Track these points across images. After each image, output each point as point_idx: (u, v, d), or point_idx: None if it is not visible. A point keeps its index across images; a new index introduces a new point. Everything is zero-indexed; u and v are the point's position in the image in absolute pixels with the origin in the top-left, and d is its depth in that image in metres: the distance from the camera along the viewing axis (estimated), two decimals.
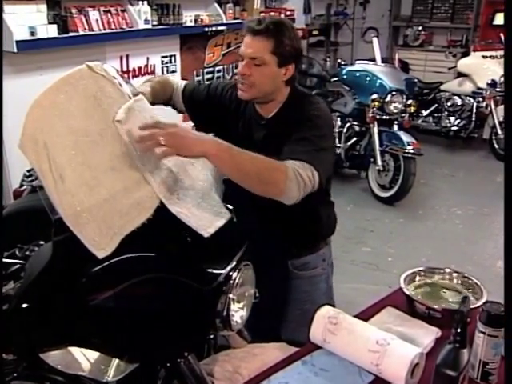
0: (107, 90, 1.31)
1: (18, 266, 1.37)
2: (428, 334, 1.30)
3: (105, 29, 3.82)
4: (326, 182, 1.57)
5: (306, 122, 1.57)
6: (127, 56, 4.26)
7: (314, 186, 1.45)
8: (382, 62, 4.96)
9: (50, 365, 1.26)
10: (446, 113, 5.84)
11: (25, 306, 1.22)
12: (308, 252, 1.80)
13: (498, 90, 5.38)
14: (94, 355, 1.31)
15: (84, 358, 1.30)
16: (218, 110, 1.77)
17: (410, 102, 4.47)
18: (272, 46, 1.54)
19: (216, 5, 4.92)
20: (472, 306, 1.23)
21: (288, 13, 5.92)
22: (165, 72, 4.71)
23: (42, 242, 1.41)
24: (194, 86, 1.84)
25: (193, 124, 1.91)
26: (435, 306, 1.35)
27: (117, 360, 1.31)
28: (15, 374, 1.31)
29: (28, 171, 2.19)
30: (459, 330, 1.03)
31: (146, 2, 4.09)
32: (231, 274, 1.31)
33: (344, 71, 4.92)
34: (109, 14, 3.86)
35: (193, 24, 4.64)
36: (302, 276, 1.80)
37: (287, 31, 1.57)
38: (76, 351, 1.29)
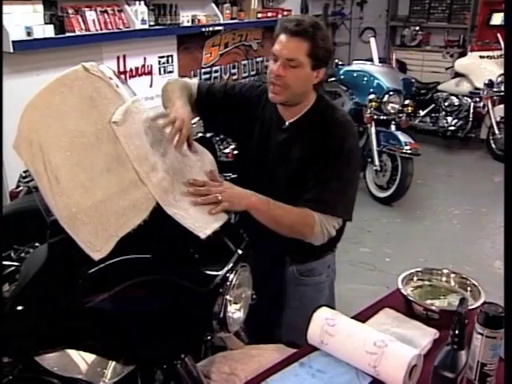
0: (103, 91, 1.30)
1: (13, 267, 1.36)
2: (426, 335, 1.29)
3: (101, 29, 3.81)
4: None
5: (338, 154, 1.57)
6: (124, 56, 4.25)
7: (338, 227, 1.61)
8: (380, 62, 4.96)
9: (46, 367, 1.25)
10: (444, 113, 5.85)
11: (20, 308, 1.21)
12: (314, 258, 1.77)
13: (495, 90, 5.39)
14: (90, 358, 1.30)
15: (80, 360, 1.29)
16: (233, 110, 1.75)
17: (407, 102, 4.47)
18: (308, 48, 1.52)
19: (213, 5, 4.92)
20: (470, 307, 1.22)
21: (285, 13, 5.91)
22: (162, 72, 4.70)
23: (37, 244, 1.40)
24: (208, 86, 1.80)
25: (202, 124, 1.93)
26: (433, 307, 1.35)
27: (113, 362, 1.30)
28: (10, 377, 1.30)
29: (24, 172, 2.18)
30: (457, 332, 1.03)
31: (142, 2, 4.08)
32: (228, 275, 1.31)
33: (341, 71, 4.92)
34: (105, 15, 3.85)
35: (190, 24, 4.63)
36: (307, 282, 1.78)
37: (323, 33, 1.56)
38: (72, 354, 1.29)
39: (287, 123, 1.66)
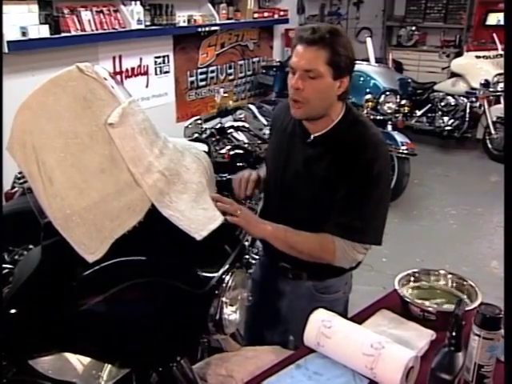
0: (97, 92, 1.29)
1: (6, 270, 1.35)
2: (423, 337, 1.29)
3: (97, 29, 3.80)
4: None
5: (367, 176, 1.46)
6: (120, 56, 4.24)
7: (364, 253, 1.56)
8: (376, 62, 4.97)
9: (40, 371, 1.24)
10: (440, 113, 5.85)
11: (13, 311, 1.20)
12: (332, 275, 1.66)
13: (491, 89, 5.40)
14: (85, 361, 1.29)
15: (75, 363, 1.28)
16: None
17: (403, 102, 4.48)
18: (328, 56, 1.40)
19: (209, 5, 4.91)
20: (467, 308, 1.22)
21: (281, 13, 5.92)
22: (158, 73, 4.69)
23: (31, 246, 1.39)
24: None
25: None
26: (430, 309, 1.34)
27: (109, 365, 1.29)
28: (4, 381, 1.29)
29: (19, 173, 2.17)
30: (454, 334, 1.02)
31: (138, 3, 4.07)
32: (224, 277, 1.30)
33: None
34: (101, 15, 3.84)
35: (186, 24, 4.62)
36: (323, 299, 1.65)
37: (343, 40, 1.44)
38: (67, 357, 1.28)
39: (312, 137, 1.55)
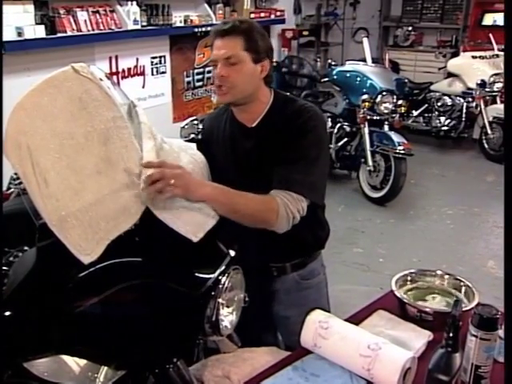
0: (93, 93, 1.28)
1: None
2: (420, 338, 1.29)
3: (93, 29, 3.80)
4: (322, 197, 1.61)
5: (302, 134, 1.52)
6: (116, 57, 4.24)
7: (303, 213, 1.53)
8: (373, 62, 4.97)
9: (36, 374, 1.23)
10: (437, 113, 5.86)
11: (8, 313, 1.19)
12: (312, 259, 1.74)
13: (487, 90, 5.41)
14: (81, 363, 1.28)
15: (71, 365, 1.27)
16: (207, 152, 1.67)
17: (400, 102, 4.47)
18: (243, 42, 1.51)
19: (206, 5, 4.91)
20: (464, 309, 1.22)
21: (278, 13, 5.93)
22: (154, 73, 4.68)
23: (26, 248, 1.38)
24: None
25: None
26: (427, 309, 1.34)
27: (105, 367, 1.28)
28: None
29: (15, 174, 2.15)
30: (451, 334, 1.02)
31: (135, 3, 4.07)
32: (220, 278, 1.30)
33: (334, 72, 4.92)
34: (97, 15, 3.83)
35: (182, 24, 4.62)
36: (309, 285, 1.73)
37: (255, 28, 1.55)
38: (63, 359, 1.27)
39: (250, 129, 1.60)
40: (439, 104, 5.84)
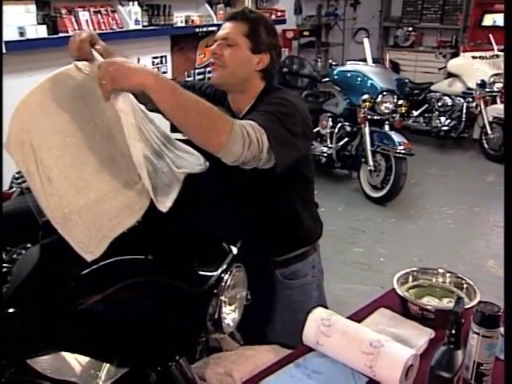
0: (95, 91, 1.29)
1: (4, 269, 1.35)
2: (422, 335, 1.29)
3: (95, 29, 3.79)
4: (283, 167, 1.39)
5: (273, 100, 1.49)
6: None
7: (261, 150, 1.31)
8: (373, 62, 4.97)
9: (39, 370, 1.23)
10: (437, 113, 5.87)
11: (11, 310, 1.19)
12: (297, 260, 1.72)
13: (487, 90, 5.42)
14: (83, 360, 1.28)
15: (74, 362, 1.28)
16: None
17: (400, 102, 4.48)
18: (246, 29, 1.53)
19: (207, 5, 4.91)
20: (466, 307, 1.22)
21: (279, 13, 5.92)
22: None
23: (29, 245, 1.39)
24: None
25: None
26: (428, 307, 1.34)
27: (107, 365, 1.29)
28: (3, 380, 1.28)
29: (17, 173, 2.15)
30: (453, 331, 1.02)
31: (136, 3, 4.07)
32: (223, 276, 1.30)
33: (335, 72, 4.92)
34: (99, 15, 3.83)
35: (183, 25, 4.61)
36: (292, 285, 1.73)
37: (263, 21, 1.58)
38: (65, 356, 1.27)
39: (241, 117, 1.54)
40: (439, 104, 5.85)
